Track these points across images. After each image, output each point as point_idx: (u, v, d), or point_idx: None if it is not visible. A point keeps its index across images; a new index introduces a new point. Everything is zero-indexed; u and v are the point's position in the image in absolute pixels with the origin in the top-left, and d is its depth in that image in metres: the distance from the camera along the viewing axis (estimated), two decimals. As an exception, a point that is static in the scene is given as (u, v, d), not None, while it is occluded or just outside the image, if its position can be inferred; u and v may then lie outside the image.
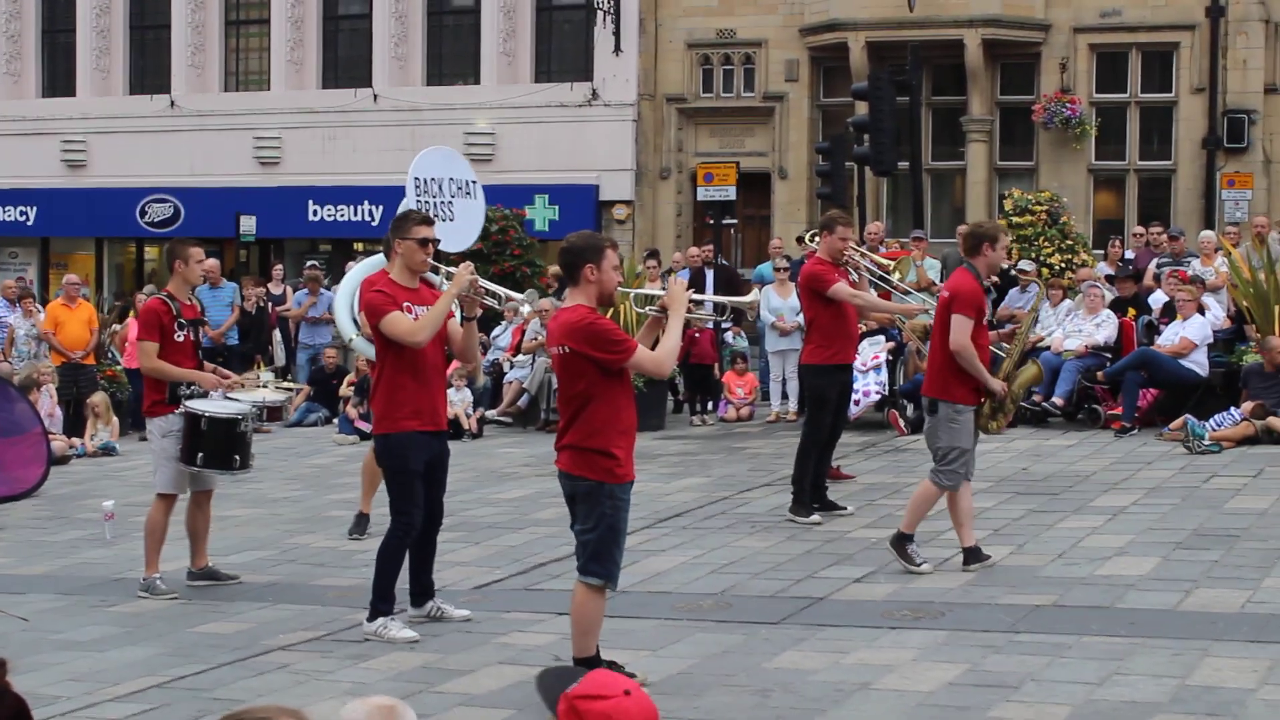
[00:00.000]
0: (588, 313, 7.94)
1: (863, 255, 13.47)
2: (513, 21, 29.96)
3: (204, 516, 11.16)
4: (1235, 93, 26.37)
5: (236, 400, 11.35)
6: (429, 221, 9.84)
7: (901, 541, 10.73)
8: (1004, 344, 11.62)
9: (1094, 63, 27.30)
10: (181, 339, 11.00)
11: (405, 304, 8.97)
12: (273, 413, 20.60)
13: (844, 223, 12.89)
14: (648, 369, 8.16)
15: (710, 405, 20.64)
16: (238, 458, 11.02)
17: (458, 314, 9.31)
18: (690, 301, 8.36)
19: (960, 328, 10.35)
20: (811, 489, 12.81)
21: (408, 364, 9.09)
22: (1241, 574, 10.18)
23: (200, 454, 10.76)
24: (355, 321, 12.13)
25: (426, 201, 16.28)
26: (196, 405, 10.82)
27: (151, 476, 11.22)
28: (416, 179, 17.08)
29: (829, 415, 12.78)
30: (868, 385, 18.27)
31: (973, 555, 10.67)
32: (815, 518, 12.45)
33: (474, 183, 18.07)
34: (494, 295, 9.79)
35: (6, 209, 33.71)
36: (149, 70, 33.03)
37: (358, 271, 12.86)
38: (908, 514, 10.84)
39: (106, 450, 19.48)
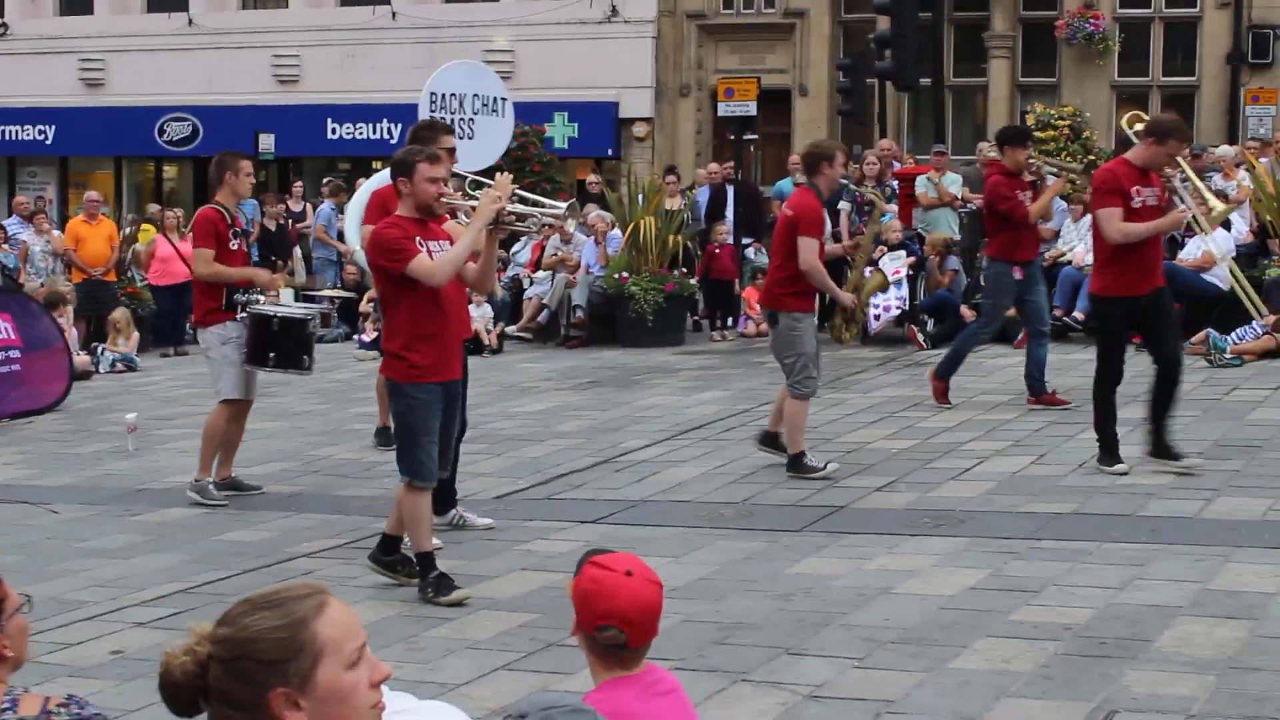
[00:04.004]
0: (384, 223, 8.39)
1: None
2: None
3: (239, 428, 11.23)
4: (1261, 7, 26.19)
5: (297, 305, 11.51)
6: (450, 131, 9.84)
7: (796, 464, 11.03)
8: (850, 256, 12.57)
9: (1119, -25, 27.17)
10: (235, 247, 11.17)
11: (417, 238, 8.36)
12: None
13: (1180, 136, 10.75)
14: (419, 275, 8.14)
15: (730, 321, 20.65)
16: (306, 358, 11.19)
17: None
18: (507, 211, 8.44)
19: (807, 248, 10.88)
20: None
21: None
22: (1263, 483, 10.23)
23: (272, 354, 10.88)
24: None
25: (443, 117, 16.28)
26: (267, 308, 10.97)
27: (213, 385, 11.17)
28: (433, 94, 17.08)
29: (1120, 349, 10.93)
30: (888, 300, 18.31)
31: (796, 463, 11.05)
32: (1122, 466, 10.69)
33: (504, 100, 18.00)
34: (525, 217, 9.54)
35: (25, 128, 33.71)
36: (167, -12, 32.95)
37: (369, 186, 12.85)
38: (790, 435, 11.13)
39: (128, 364, 19.56)
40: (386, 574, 8.62)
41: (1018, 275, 13.38)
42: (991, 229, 13.83)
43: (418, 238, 8.22)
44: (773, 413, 11.63)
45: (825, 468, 10.99)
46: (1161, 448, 10.74)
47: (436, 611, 8.06)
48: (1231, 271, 16.58)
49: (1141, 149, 10.58)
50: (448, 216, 8.68)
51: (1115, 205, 10.28)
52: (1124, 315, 10.60)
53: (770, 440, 11.50)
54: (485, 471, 11.65)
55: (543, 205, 9.52)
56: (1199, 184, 12.20)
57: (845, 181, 14.02)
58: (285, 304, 11.22)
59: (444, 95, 17.29)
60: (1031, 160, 13.77)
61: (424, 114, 16.33)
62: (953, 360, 13.83)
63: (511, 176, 9.38)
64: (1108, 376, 10.75)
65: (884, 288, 13.07)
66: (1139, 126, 11.64)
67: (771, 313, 11.27)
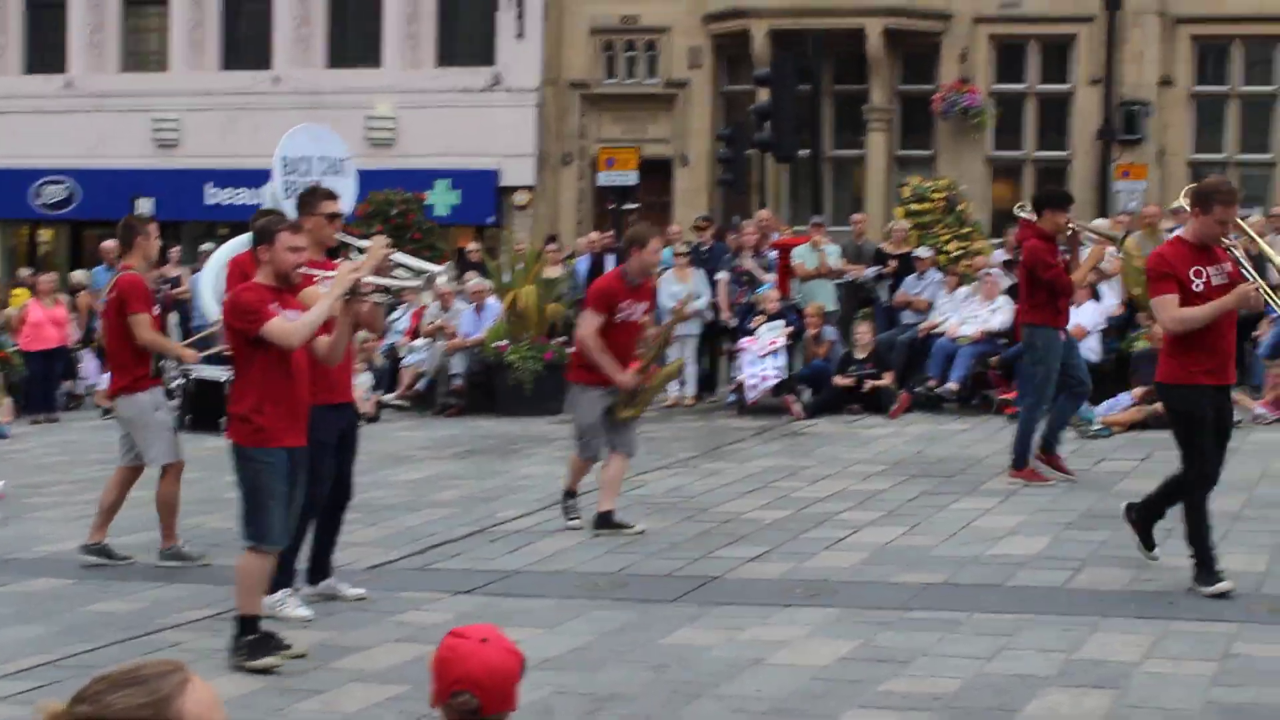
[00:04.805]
0: (241, 287, 8.42)
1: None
2: (416, 5, 29.86)
3: (122, 496, 11.14)
4: (1130, 85, 26.72)
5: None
6: (335, 196, 9.84)
7: (604, 520, 11.51)
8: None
9: (993, 53, 27.56)
10: (156, 313, 11.16)
11: (273, 304, 8.30)
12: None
13: (1224, 199, 9.50)
14: (273, 338, 8.11)
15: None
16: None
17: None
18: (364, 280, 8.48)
19: (585, 321, 11.38)
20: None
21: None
22: (1129, 553, 10.32)
23: (221, 419, 10.84)
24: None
25: (294, 180, 16.43)
26: (208, 371, 11.03)
27: (144, 453, 11.02)
28: (285, 158, 17.19)
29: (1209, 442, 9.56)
30: (765, 370, 18.45)
31: (604, 520, 11.49)
32: (1224, 585, 9.21)
33: (344, 160, 18.16)
34: (387, 287, 9.52)
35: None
36: (46, 49, 32.56)
37: (223, 253, 12.82)
38: (602, 492, 11.68)
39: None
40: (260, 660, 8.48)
41: (1062, 338, 13.28)
42: (1029, 294, 13.29)
43: (274, 304, 8.18)
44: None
45: (635, 526, 11.41)
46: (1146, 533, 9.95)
47: (305, 684, 7.98)
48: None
49: (1192, 224, 9.55)
50: (309, 284, 8.63)
51: (1169, 291, 9.21)
52: (1198, 402, 9.30)
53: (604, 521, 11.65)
54: (360, 541, 11.53)
55: (420, 272, 9.58)
56: (1267, 249, 11.06)
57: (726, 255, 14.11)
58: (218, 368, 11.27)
59: (293, 160, 17.42)
60: (1070, 225, 13.47)
61: (277, 179, 16.46)
62: (1024, 436, 13.41)
63: (387, 241, 9.41)
64: (1196, 479, 9.37)
65: (675, 377, 12.82)
66: (1183, 202, 10.61)
67: (568, 381, 11.93)
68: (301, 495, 8.67)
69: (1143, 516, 9.92)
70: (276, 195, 17.80)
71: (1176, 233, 10.80)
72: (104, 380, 20.03)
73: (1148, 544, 9.95)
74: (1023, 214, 13.58)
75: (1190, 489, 9.36)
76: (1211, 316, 9.22)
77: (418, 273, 10.09)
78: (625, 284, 11.47)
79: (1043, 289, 12.97)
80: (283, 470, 8.32)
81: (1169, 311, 9.29)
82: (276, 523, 8.33)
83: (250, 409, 8.29)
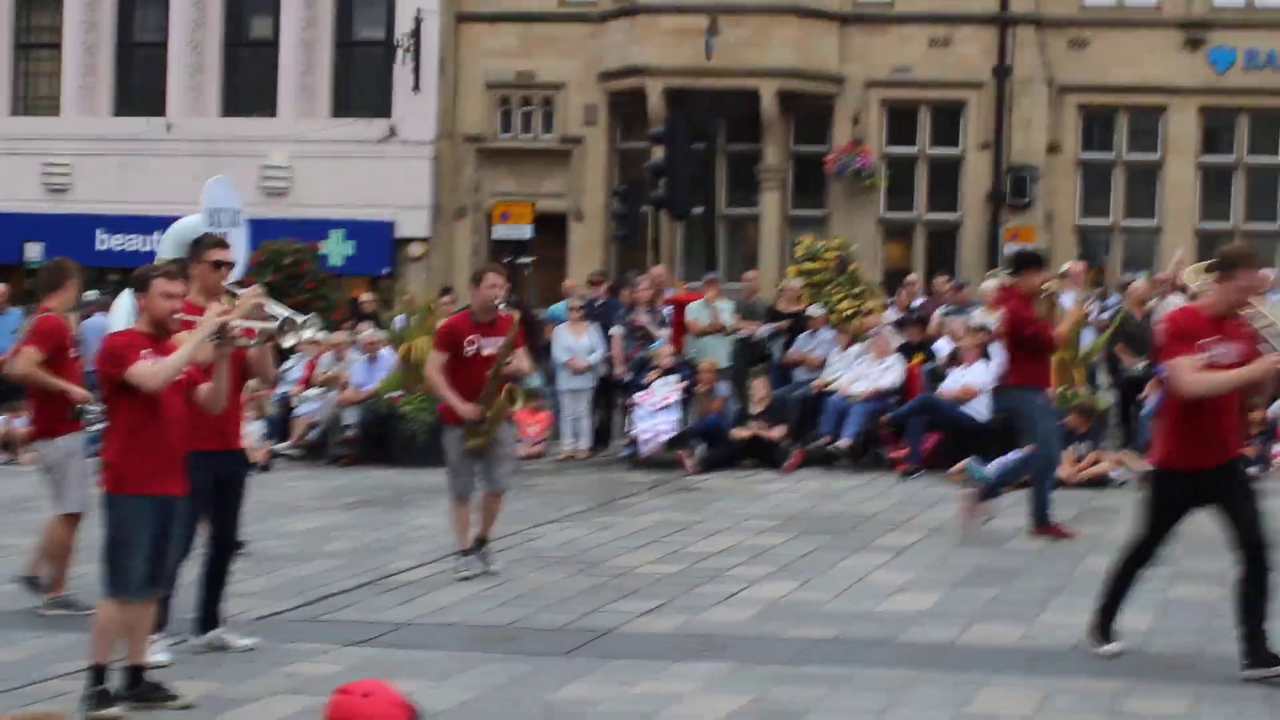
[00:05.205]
0: (114, 334, 8.55)
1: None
2: (311, 56, 29.78)
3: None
4: (1019, 150, 27.12)
5: None
6: (224, 244, 9.77)
7: (480, 543, 12.01)
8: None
9: (885, 117, 27.86)
10: (75, 355, 11.04)
11: (145, 350, 8.23)
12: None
13: (1249, 263, 8.94)
14: (136, 380, 8.04)
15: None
16: None
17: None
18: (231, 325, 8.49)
19: (430, 360, 12.32)
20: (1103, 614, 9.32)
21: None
22: (1018, 610, 10.45)
23: None
24: None
25: (222, 232, 16.25)
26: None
27: (53, 497, 10.84)
28: (211, 210, 17.03)
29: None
30: (659, 424, 18.49)
31: (479, 543, 12.03)
32: (1113, 647, 9.14)
33: (238, 211, 18.08)
34: (256, 333, 9.49)
35: None
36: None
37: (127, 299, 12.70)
38: (482, 521, 12.10)
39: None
40: (147, 708, 8.36)
41: (1042, 400, 13.33)
42: (1013, 356, 13.28)
43: (147, 350, 8.11)
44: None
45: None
46: (1263, 655, 8.61)
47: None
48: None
49: (1214, 291, 8.77)
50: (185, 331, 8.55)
51: (1187, 352, 8.44)
52: (1184, 492, 8.76)
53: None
54: (249, 591, 11.35)
55: (287, 318, 9.55)
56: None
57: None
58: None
59: (217, 211, 17.25)
60: (1047, 284, 13.53)
61: (202, 229, 16.24)
62: (1040, 496, 13.44)
63: (259, 290, 9.38)
64: (1138, 553, 9.00)
65: (508, 409, 12.68)
66: (1191, 274, 10.31)
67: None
68: (180, 543, 8.55)
69: (1253, 648, 8.68)
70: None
71: (1190, 302, 10.21)
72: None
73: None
74: (1002, 277, 13.60)
75: (1132, 557, 8.97)
76: (1237, 383, 8.60)
77: (285, 319, 10.03)
78: (471, 321, 11.96)
79: (1024, 351, 13.03)
80: (148, 518, 8.16)
81: (1188, 375, 8.46)
82: (135, 573, 8.14)
83: (116, 454, 8.19)
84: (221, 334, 8.28)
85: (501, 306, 12.08)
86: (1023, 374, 13.13)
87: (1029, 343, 13.01)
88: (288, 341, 10.17)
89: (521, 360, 12.29)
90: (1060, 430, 13.87)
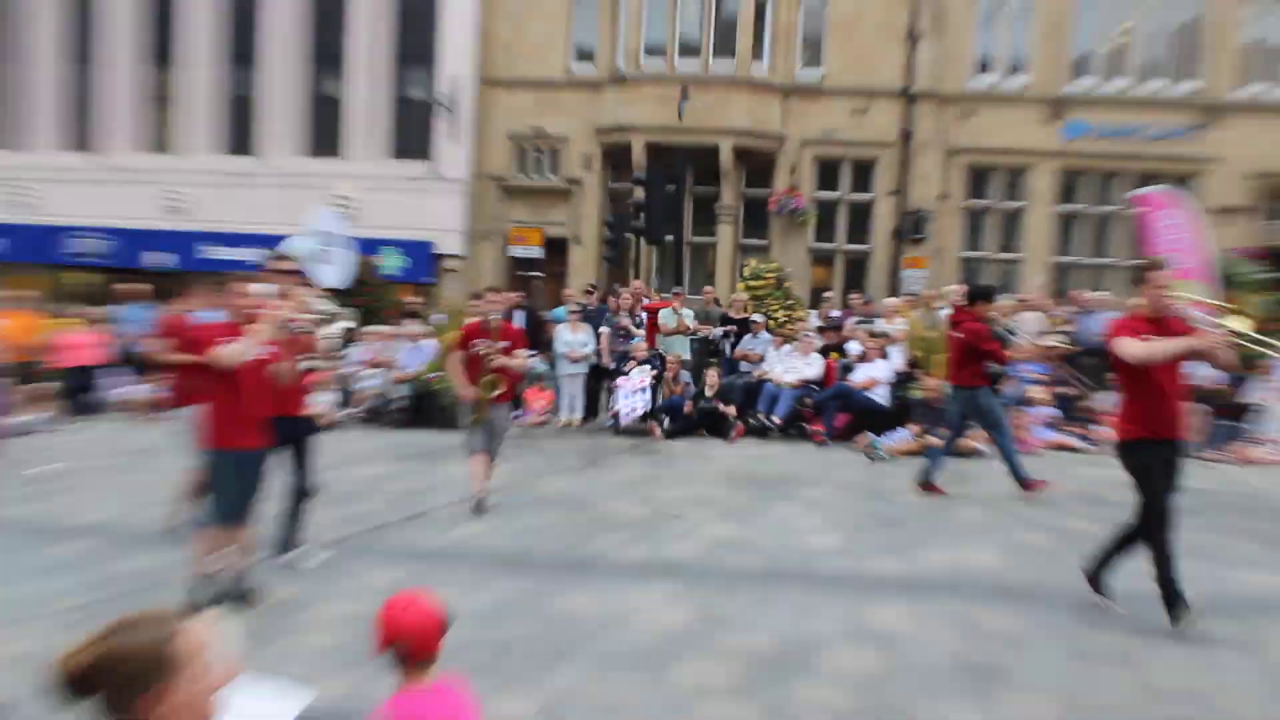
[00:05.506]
0: (210, 325, 8.43)
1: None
2: (373, 110, 29.80)
3: None
4: (917, 197, 27.17)
5: None
6: (285, 259, 9.96)
7: (479, 505, 12.05)
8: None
9: (815, 168, 27.89)
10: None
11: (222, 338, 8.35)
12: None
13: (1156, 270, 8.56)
14: (213, 363, 8.16)
15: (515, 414, 20.69)
16: None
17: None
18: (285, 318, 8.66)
19: (450, 358, 12.41)
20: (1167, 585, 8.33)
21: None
22: (901, 548, 10.64)
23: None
24: None
25: (325, 248, 16.52)
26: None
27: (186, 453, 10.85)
28: (320, 232, 17.31)
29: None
30: (635, 402, 18.61)
31: (479, 506, 12.04)
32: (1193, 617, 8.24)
33: (343, 235, 18.20)
34: (307, 322, 9.66)
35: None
36: (86, 132, 32.06)
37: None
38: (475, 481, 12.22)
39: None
40: (243, 606, 8.51)
41: (991, 395, 13.26)
42: (963, 363, 13.10)
43: (230, 337, 8.25)
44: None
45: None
46: (1098, 583, 8.82)
47: (274, 628, 8.03)
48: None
49: (1141, 297, 8.49)
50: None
51: (1129, 335, 8.24)
52: (1154, 454, 8.28)
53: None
54: (322, 521, 11.42)
55: (331, 313, 9.95)
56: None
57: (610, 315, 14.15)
58: None
59: (327, 233, 17.53)
60: (994, 315, 13.52)
61: (309, 244, 16.50)
62: (1015, 466, 13.30)
63: (313, 294, 9.65)
64: (1157, 519, 8.28)
65: (495, 388, 12.67)
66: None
67: None
68: (260, 485, 8.58)
69: (1096, 571, 8.83)
70: (309, 256, 18.16)
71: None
72: (134, 391, 19.86)
73: (1106, 593, 8.84)
74: (958, 300, 13.46)
75: (1151, 533, 8.30)
76: (1174, 352, 8.17)
77: (329, 313, 10.32)
78: (481, 327, 12.15)
79: (978, 360, 13.00)
80: (234, 466, 8.29)
81: (1131, 347, 8.19)
82: (228, 506, 8.31)
83: (209, 419, 8.31)
84: (280, 324, 8.54)
85: (495, 317, 12.28)
86: (973, 376, 13.10)
87: (983, 355, 13.00)
88: (329, 330, 10.33)
89: (504, 358, 12.28)
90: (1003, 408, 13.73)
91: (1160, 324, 8.28)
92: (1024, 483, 13.24)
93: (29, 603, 8.66)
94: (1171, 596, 8.23)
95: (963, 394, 13.20)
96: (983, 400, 13.19)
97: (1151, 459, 8.26)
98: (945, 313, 19.41)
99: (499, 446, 12.40)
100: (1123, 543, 8.63)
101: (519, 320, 21.03)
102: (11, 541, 10.69)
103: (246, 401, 8.34)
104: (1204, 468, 15.48)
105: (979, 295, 13.45)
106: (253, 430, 8.40)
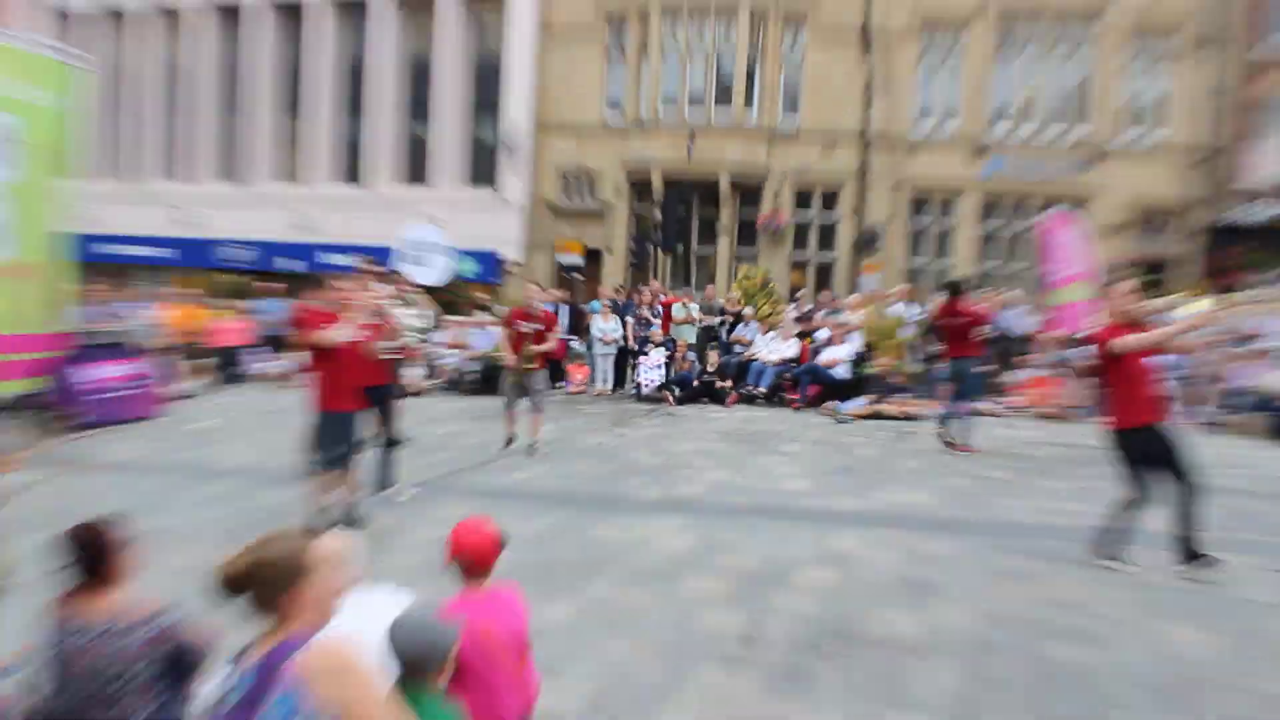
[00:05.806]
0: (309, 311, 8.22)
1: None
2: (455, 148, 29.77)
3: None
4: (873, 215, 27.03)
5: None
6: (371, 264, 10.02)
7: (531, 447, 12.16)
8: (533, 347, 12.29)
9: (794, 195, 27.76)
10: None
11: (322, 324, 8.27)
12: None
13: (1117, 276, 8.23)
14: (312, 344, 8.06)
15: (559, 385, 20.71)
16: None
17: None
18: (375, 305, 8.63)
19: (501, 335, 12.23)
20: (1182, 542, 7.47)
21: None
22: (859, 490, 10.61)
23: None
24: None
25: (415, 254, 16.58)
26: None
27: None
28: (414, 240, 17.35)
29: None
30: (653, 376, 18.61)
31: (530, 447, 12.21)
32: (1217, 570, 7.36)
33: (438, 244, 18.28)
34: (391, 311, 9.60)
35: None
36: (238, 160, 32.04)
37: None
38: (530, 429, 12.30)
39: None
40: (357, 529, 8.44)
41: (971, 365, 13.02)
42: (960, 340, 12.75)
43: (327, 322, 8.20)
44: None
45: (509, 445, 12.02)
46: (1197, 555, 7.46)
47: (374, 547, 8.07)
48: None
49: (1110, 305, 7.72)
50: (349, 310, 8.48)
51: (1119, 336, 7.46)
52: (1137, 446, 7.44)
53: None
54: (412, 467, 11.40)
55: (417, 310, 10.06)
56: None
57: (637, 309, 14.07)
58: None
59: (415, 240, 17.60)
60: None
61: (409, 252, 16.44)
62: (962, 427, 12.94)
63: (388, 291, 9.70)
64: (1195, 485, 7.35)
65: (533, 357, 12.48)
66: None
67: None
68: (356, 439, 8.50)
69: (1185, 547, 7.45)
70: (408, 264, 18.38)
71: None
72: (270, 365, 19.93)
73: (1207, 559, 7.44)
74: (938, 296, 13.27)
75: (1191, 496, 7.31)
76: (1157, 339, 7.39)
77: (415, 304, 10.42)
78: (525, 311, 12.17)
79: (958, 339, 12.73)
80: (335, 424, 8.25)
81: (1134, 339, 7.31)
82: (332, 454, 8.28)
83: (315, 386, 8.29)
84: (369, 312, 8.54)
85: (537, 305, 12.28)
86: (961, 350, 12.82)
87: (969, 337, 12.74)
88: (407, 318, 10.36)
89: (543, 339, 12.16)
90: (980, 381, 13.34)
91: (1135, 325, 7.53)
92: (958, 445, 13.07)
93: (190, 527, 8.73)
94: (1190, 553, 7.40)
95: (965, 363, 12.81)
96: (965, 367, 12.89)
97: (1147, 443, 7.40)
98: (894, 308, 19.34)
99: (540, 401, 12.37)
100: (1185, 509, 7.37)
101: (562, 311, 21.06)
102: (176, 480, 10.77)
103: (345, 373, 8.28)
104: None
105: (960, 288, 13.27)
106: (350, 396, 8.35)
